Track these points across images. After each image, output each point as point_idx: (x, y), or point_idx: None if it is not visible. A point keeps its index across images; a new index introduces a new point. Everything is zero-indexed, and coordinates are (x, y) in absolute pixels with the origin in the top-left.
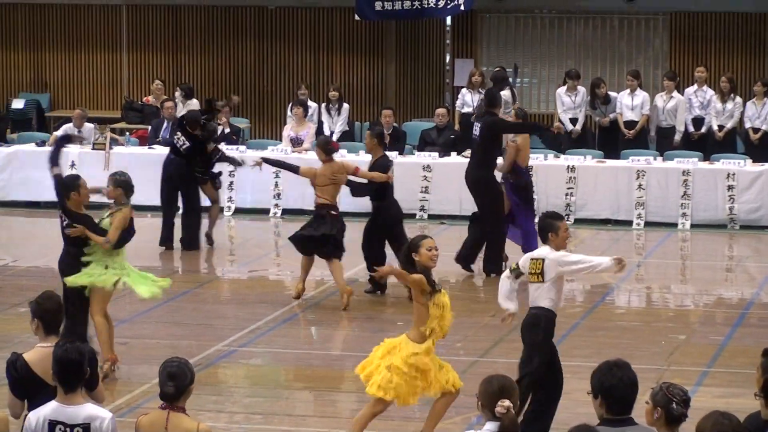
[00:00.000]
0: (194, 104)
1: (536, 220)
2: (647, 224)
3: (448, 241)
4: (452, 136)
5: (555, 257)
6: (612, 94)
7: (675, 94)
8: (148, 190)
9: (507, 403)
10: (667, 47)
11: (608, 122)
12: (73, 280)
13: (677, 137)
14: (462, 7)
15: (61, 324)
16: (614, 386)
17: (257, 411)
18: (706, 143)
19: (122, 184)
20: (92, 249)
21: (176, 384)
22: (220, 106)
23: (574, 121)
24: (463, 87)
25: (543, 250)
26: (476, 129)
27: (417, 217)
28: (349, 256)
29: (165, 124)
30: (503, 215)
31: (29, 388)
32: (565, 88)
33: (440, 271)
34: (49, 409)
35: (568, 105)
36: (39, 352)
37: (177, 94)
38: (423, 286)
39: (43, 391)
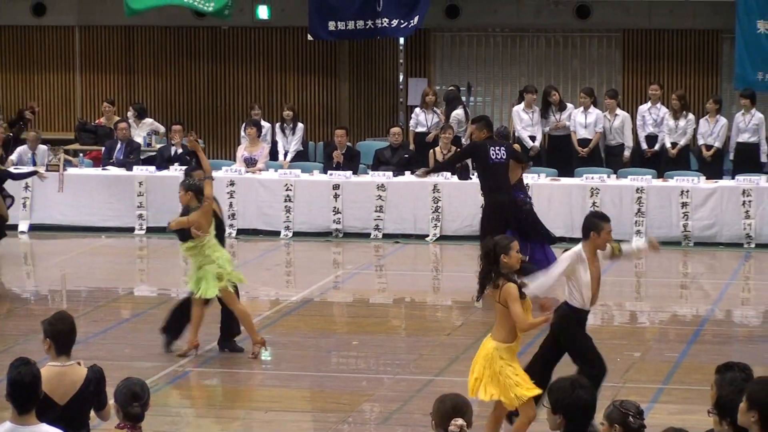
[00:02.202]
0: (148, 123)
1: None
2: None
3: (403, 260)
4: (406, 156)
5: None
6: (569, 105)
7: (619, 111)
8: (102, 211)
9: (460, 421)
10: (621, 65)
11: (563, 127)
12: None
13: (626, 153)
14: (417, 26)
15: (73, 344)
16: (579, 407)
17: None
18: (659, 161)
19: (191, 188)
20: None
21: (141, 404)
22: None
23: (533, 138)
24: (416, 106)
25: (576, 248)
26: (500, 151)
27: (372, 236)
28: (307, 275)
29: (119, 145)
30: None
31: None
32: (522, 105)
33: (397, 290)
34: (3, 430)
35: (527, 122)
36: (49, 371)
37: (129, 113)
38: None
39: (50, 409)
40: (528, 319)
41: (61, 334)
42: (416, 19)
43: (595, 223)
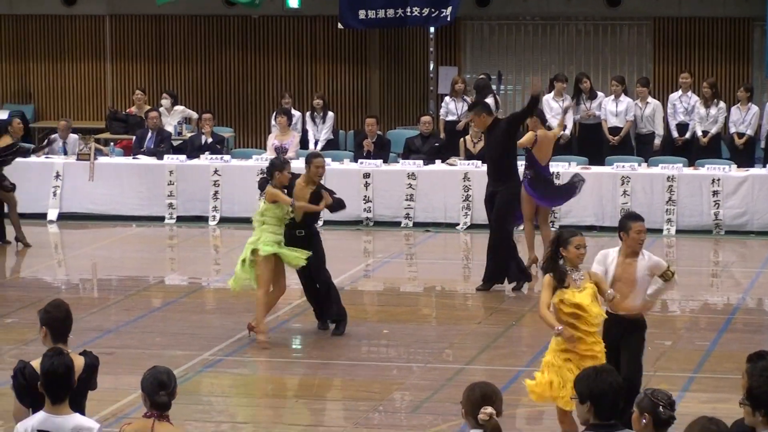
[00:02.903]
0: (180, 110)
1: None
2: None
3: (434, 249)
4: (437, 144)
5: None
6: (599, 93)
7: (650, 99)
8: (132, 200)
9: (489, 410)
10: (651, 53)
11: (593, 116)
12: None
13: (657, 141)
14: (448, 18)
15: (69, 332)
16: (604, 392)
17: (244, 420)
18: (690, 149)
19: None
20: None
21: (168, 392)
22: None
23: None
24: (446, 95)
25: (615, 250)
26: None
27: (402, 225)
28: (338, 264)
29: (149, 134)
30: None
31: (36, 396)
32: (552, 94)
33: (427, 279)
34: (38, 419)
35: (556, 110)
36: None
37: (164, 101)
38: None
39: None
40: (543, 308)
41: (56, 322)
42: (449, 9)
43: (623, 223)
